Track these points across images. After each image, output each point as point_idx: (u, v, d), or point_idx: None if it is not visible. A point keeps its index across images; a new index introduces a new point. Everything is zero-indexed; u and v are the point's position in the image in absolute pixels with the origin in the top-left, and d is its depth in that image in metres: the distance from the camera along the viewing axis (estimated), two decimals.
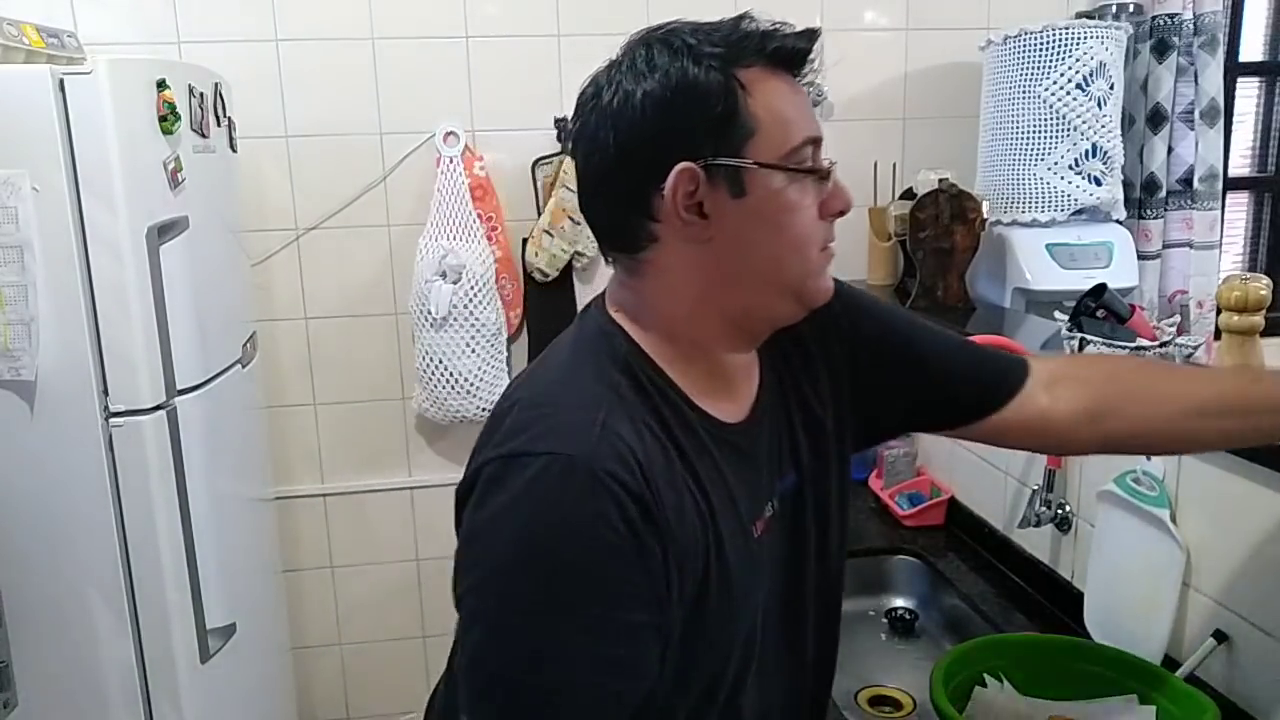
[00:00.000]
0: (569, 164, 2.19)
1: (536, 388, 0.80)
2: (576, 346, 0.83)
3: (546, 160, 2.24)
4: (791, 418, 0.91)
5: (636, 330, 0.82)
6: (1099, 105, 1.96)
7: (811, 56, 0.80)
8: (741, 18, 0.79)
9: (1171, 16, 2.20)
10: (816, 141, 0.79)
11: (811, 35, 0.79)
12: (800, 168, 0.78)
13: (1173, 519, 1.22)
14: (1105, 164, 2.00)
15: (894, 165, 2.31)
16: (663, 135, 0.76)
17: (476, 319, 2.13)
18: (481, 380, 2.16)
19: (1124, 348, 1.35)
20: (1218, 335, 1.20)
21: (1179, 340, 1.35)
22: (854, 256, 2.38)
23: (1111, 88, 1.99)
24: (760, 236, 0.78)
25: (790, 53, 0.78)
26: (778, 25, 0.79)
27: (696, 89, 0.75)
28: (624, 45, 0.80)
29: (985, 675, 1.18)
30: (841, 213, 0.82)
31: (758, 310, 0.82)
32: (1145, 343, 1.35)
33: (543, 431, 0.73)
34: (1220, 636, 1.16)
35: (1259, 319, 1.13)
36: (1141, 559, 1.27)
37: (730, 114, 0.75)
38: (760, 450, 0.86)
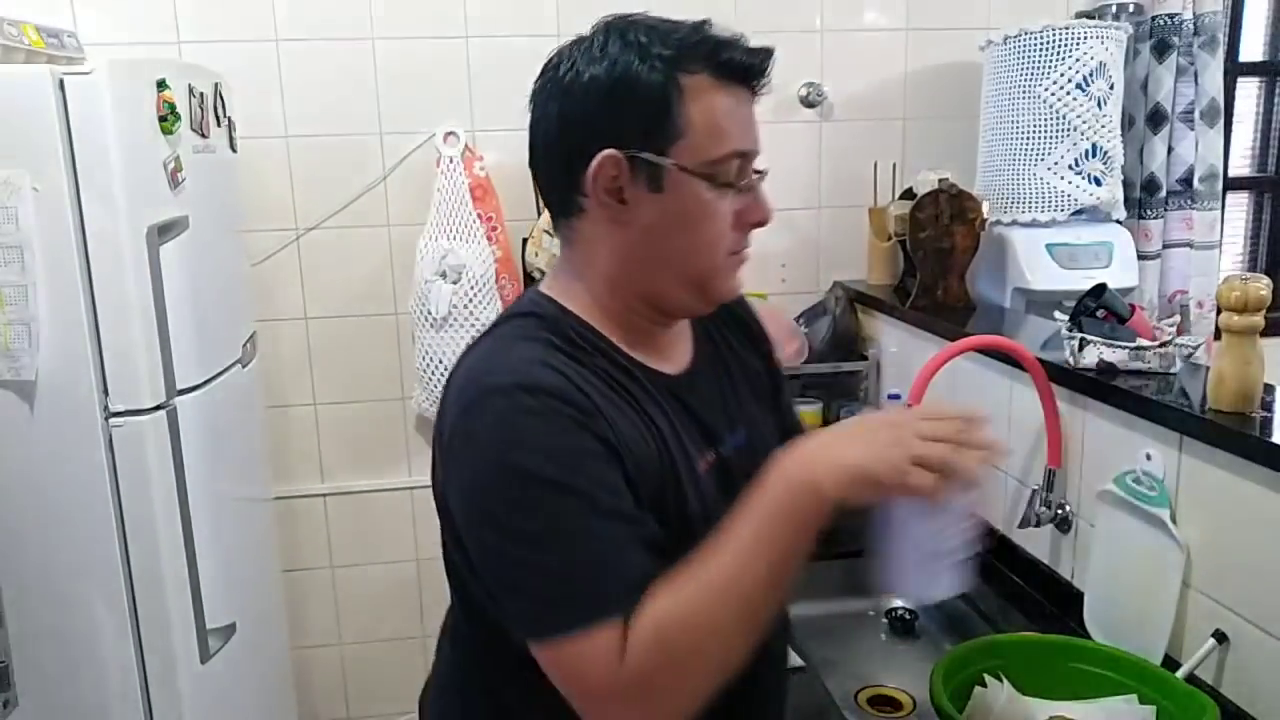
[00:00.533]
0: None
1: (473, 359, 0.85)
2: (508, 320, 0.90)
3: None
4: (733, 377, 0.98)
5: (569, 299, 0.88)
6: (1099, 105, 1.96)
7: (765, 74, 0.84)
8: (702, 23, 0.83)
9: (1171, 16, 2.20)
10: (747, 155, 0.84)
11: (765, 54, 0.83)
12: (715, 178, 0.82)
13: (1173, 519, 1.22)
14: (1105, 164, 2.00)
15: (894, 165, 2.31)
16: (597, 120, 0.81)
17: (476, 319, 2.13)
18: None
19: (1124, 348, 1.35)
20: (1218, 335, 1.20)
21: (1179, 340, 1.35)
22: (854, 256, 2.38)
23: (1111, 88, 1.98)
24: (671, 232, 0.83)
25: (739, 67, 0.82)
26: (736, 38, 0.83)
27: (635, 84, 0.79)
28: (611, 21, 0.85)
29: (985, 675, 1.18)
30: (759, 223, 0.87)
31: (664, 295, 0.88)
32: (1145, 343, 1.35)
33: (487, 377, 0.80)
34: (1220, 636, 1.16)
35: (1259, 319, 1.13)
36: (1141, 559, 1.27)
37: (662, 114, 0.80)
38: (698, 401, 0.91)
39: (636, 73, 0.79)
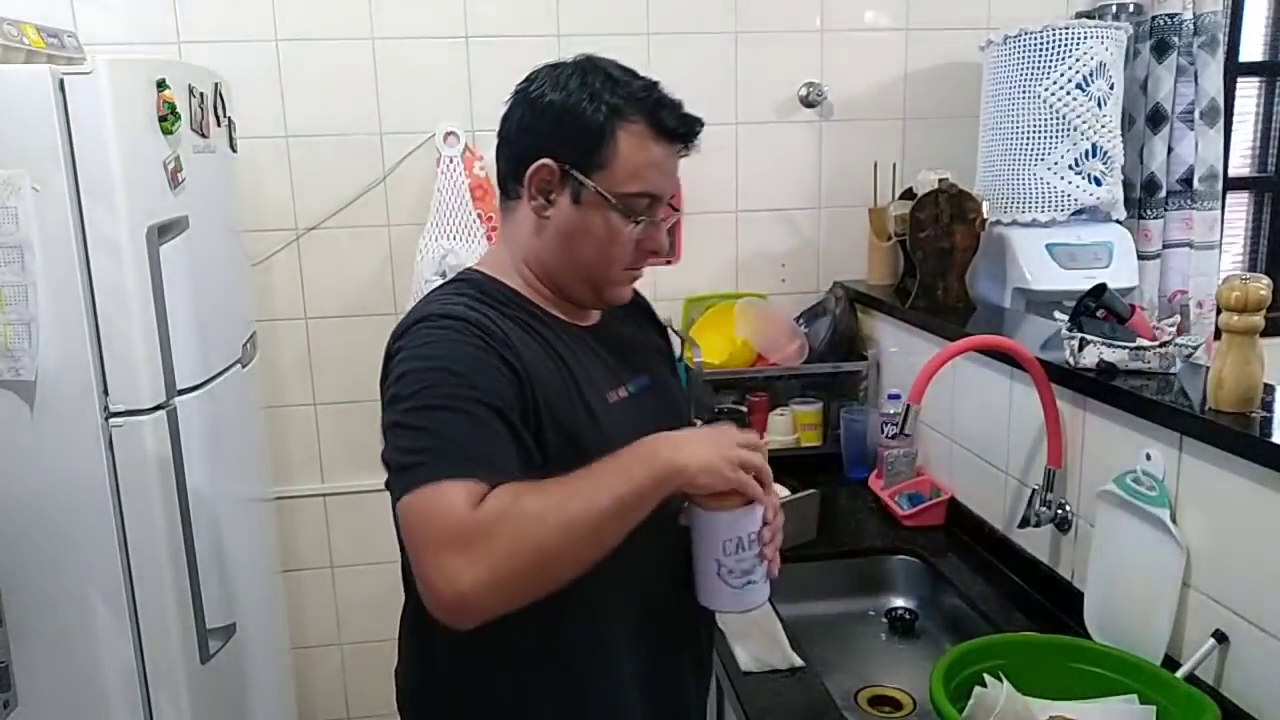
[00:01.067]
0: None
1: (407, 317, 1.00)
2: (440, 287, 1.07)
3: None
4: (637, 338, 1.18)
5: (496, 269, 1.07)
6: (1099, 105, 1.96)
7: (692, 139, 1.04)
8: (654, 84, 1.03)
9: (1171, 16, 2.20)
10: (657, 198, 1.04)
11: (695, 121, 1.04)
12: (624, 209, 1.01)
13: (1173, 519, 1.22)
14: (1105, 164, 2.00)
15: (894, 165, 2.31)
16: (545, 134, 1.01)
17: None
18: None
19: (1124, 348, 1.35)
20: (1218, 335, 1.20)
21: (1179, 340, 1.35)
22: (854, 256, 2.38)
23: (1111, 88, 1.99)
24: (579, 238, 1.03)
25: (667, 129, 1.02)
26: (676, 103, 1.03)
27: (580, 118, 0.99)
28: (585, 58, 1.04)
29: (985, 675, 1.18)
30: (655, 254, 1.06)
31: (564, 285, 1.07)
32: (1145, 343, 1.35)
33: (412, 317, 0.98)
34: (1220, 636, 1.16)
35: (1259, 319, 1.13)
36: (1141, 559, 1.27)
37: (595, 146, 0.99)
38: (606, 349, 1.10)
39: (584, 109, 0.99)
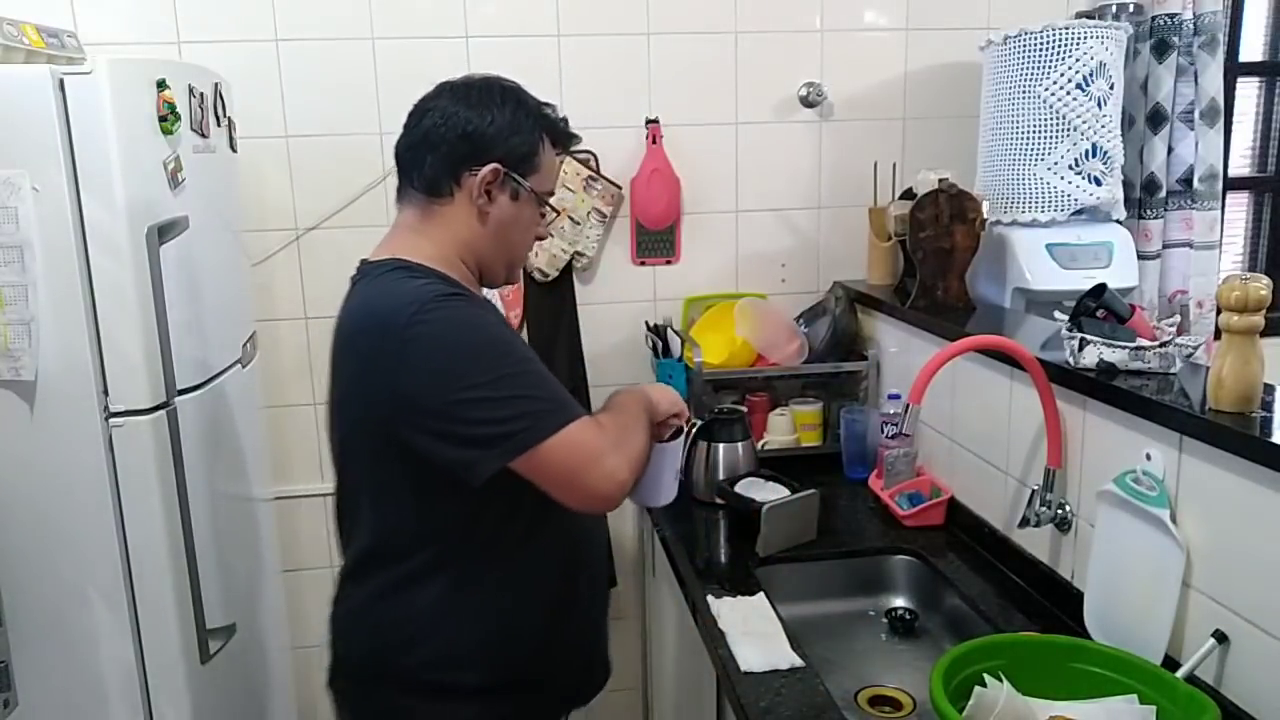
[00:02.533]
0: (569, 165, 2.18)
1: (378, 298, 1.18)
2: (380, 280, 1.20)
3: None
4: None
5: (421, 258, 1.21)
6: (1099, 105, 1.96)
7: (569, 150, 1.34)
8: (553, 106, 1.28)
9: (1171, 16, 2.20)
10: (553, 194, 1.30)
11: (578, 139, 1.34)
12: (542, 203, 1.28)
13: (1173, 519, 1.22)
14: (1105, 164, 2.00)
15: (894, 165, 2.31)
16: (495, 143, 1.21)
17: None
18: None
19: (1124, 348, 1.35)
20: (1218, 335, 1.20)
21: (1179, 340, 1.35)
22: (854, 256, 2.38)
23: (1111, 88, 1.98)
24: (511, 229, 1.26)
25: (563, 142, 1.30)
26: (566, 121, 1.30)
27: (522, 130, 1.23)
28: (496, 78, 1.26)
29: (985, 675, 1.18)
30: (541, 239, 1.34)
31: (489, 267, 1.29)
32: (1145, 343, 1.35)
33: (417, 297, 1.12)
34: (1220, 636, 1.16)
35: (1259, 319, 1.13)
36: (1141, 559, 1.27)
37: (532, 154, 1.24)
38: None
39: (525, 124, 1.23)
